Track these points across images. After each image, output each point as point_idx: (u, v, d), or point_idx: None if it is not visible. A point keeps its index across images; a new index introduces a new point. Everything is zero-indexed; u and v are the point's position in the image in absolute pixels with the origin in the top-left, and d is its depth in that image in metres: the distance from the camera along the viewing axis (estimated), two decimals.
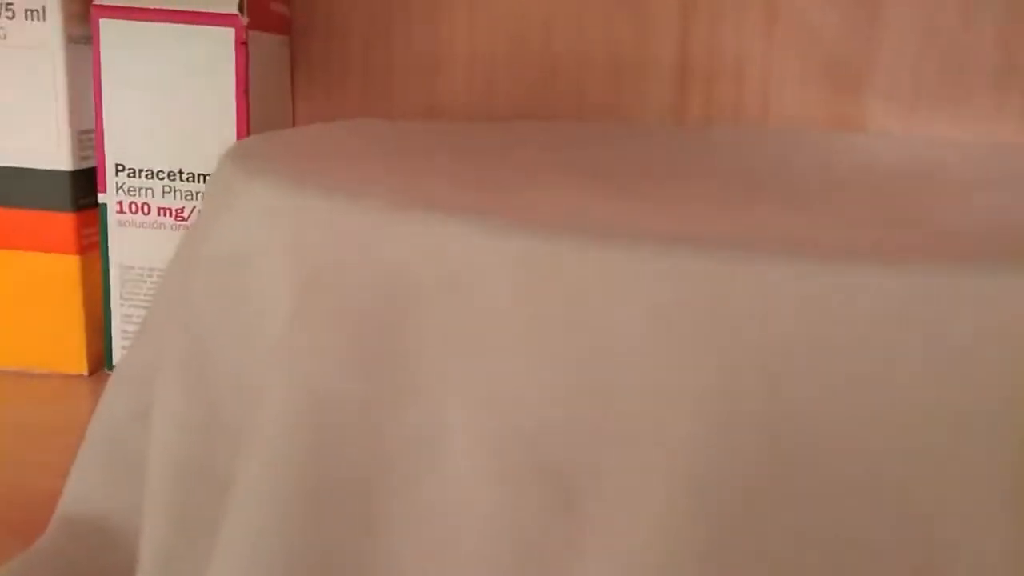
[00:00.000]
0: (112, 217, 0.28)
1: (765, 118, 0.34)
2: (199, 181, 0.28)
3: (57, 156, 0.28)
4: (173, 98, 0.27)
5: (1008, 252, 0.10)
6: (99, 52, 0.27)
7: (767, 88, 0.33)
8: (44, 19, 0.27)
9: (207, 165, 0.28)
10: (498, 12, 0.34)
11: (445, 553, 0.11)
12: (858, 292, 0.09)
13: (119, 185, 0.28)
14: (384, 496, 0.11)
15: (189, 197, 0.28)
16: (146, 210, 0.28)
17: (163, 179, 0.28)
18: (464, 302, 0.10)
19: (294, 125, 0.35)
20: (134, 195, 0.28)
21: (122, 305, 0.29)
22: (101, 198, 0.28)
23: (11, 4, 0.27)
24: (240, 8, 0.27)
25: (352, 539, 0.11)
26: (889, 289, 0.09)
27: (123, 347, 0.29)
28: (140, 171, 0.28)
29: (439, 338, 0.11)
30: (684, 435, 0.10)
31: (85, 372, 0.29)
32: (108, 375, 0.30)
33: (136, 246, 0.28)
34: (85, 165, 0.28)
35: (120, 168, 0.28)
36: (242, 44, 0.27)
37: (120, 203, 0.28)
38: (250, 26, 0.27)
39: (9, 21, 0.27)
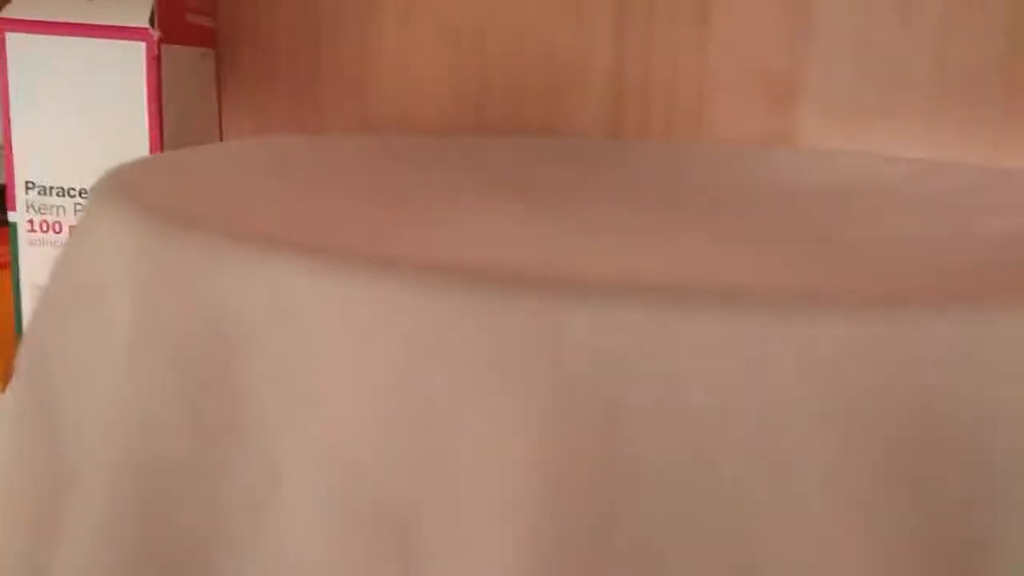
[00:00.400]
0: (23, 236, 0.27)
1: (699, 132, 0.33)
2: None
3: None
4: (85, 114, 0.26)
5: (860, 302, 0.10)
6: (6, 67, 0.26)
7: (701, 103, 0.33)
8: None
9: None
10: (431, 23, 0.34)
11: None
12: (690, 333, 0.09)
13: (29, 203, 0.27)
14: (222, 559, 0.11)
15: None
16: (58, 229, 0.27)
17: (75, 197, 0.27)
18: (295, 345, 0.10)
19: (221, 138, 0.34)
20: (46, 213, 0.27)
21: None
22: (11, 216, 0.27)
23: None
24: (151, 22, 0.26)
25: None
26: (721, 330, 0.09)
27: None
28: (51, 189, 0.27)
29: (270, 386, 0.10)
30: (520, 483, 0.09)
31: (1, 390, 0.28)
32: None
33: (48, 266, 0.27)
34: None
35: (30, 186, 0.27)
36: (154, 59, 0.26)
37: (31, 221, 0.27)
38: (164, 40, 0.26)
39: None
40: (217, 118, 0.33)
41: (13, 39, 0.26)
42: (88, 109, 0.26)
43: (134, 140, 0.26)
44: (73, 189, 0.27)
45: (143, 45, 0.26)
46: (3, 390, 0.28)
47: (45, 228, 0.27)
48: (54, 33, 0.26)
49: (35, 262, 0.27)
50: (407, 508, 0.10)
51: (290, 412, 0.10)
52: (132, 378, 0.11)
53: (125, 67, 0.26)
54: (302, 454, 0.10)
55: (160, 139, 0.26)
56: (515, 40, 0.33)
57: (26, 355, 0.15)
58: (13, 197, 0.27)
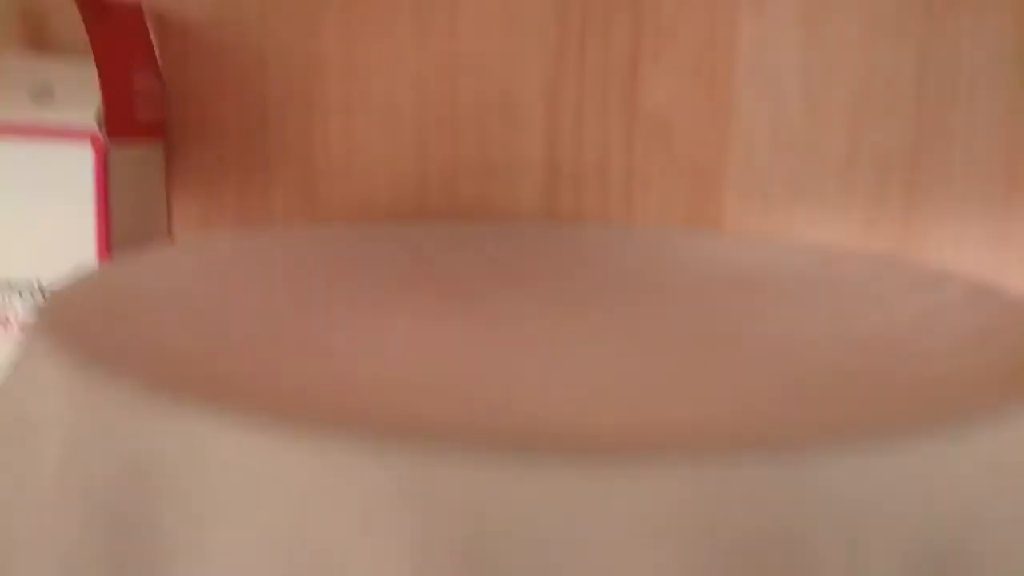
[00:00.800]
0: None
1: (630, 215, 0.35)
2: None
3: None
4: (30, 213, 0.27)
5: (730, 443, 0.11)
6: None
7: (631, 188, 0.35)
8: None
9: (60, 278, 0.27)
10: (373, 113, 0.35)
11: None
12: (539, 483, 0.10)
13: None
14: None
15: None
16: (5, 324, 0.28)
17: (22, 294, 0.28)
18: (204, 494, 0.11)
19: (170, 228, 0.35)
20: None
21: None
22: None
23: None
24: (98, 122, 0.27)
25: None
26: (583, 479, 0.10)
27: None
28: None
29: (182, 531, 0.11)
30: None
31: None
32: None
33: None
34: None
35: None
36: (101, 161, 0.27)
37: None
38: (113, 137, 0.27)
39: None
40: (165, 209, 0.34)
41: None
42: (36, 208, 0.27)
43: (80, 239, 0.27)
44: (20, 285, 0.28)
45: (89, 147, 0.27)
46: None
47: None
48: (2, 134, 0.27)
49: None
50: None
51: (199, 558, 0.11)
52: (57, 518, 0.12)
53: (72, 168, 0.27)
54: None
55: (107, 238, 0.27)
56: (450, 129, 0.35)
57: None
58: None
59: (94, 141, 0.27)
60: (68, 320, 0.15)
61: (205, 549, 0.11)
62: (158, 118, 0.33)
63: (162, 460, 0.11)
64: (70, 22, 0.35)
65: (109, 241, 0.27)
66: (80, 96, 0.27)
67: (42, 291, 0.28)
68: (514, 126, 0.35)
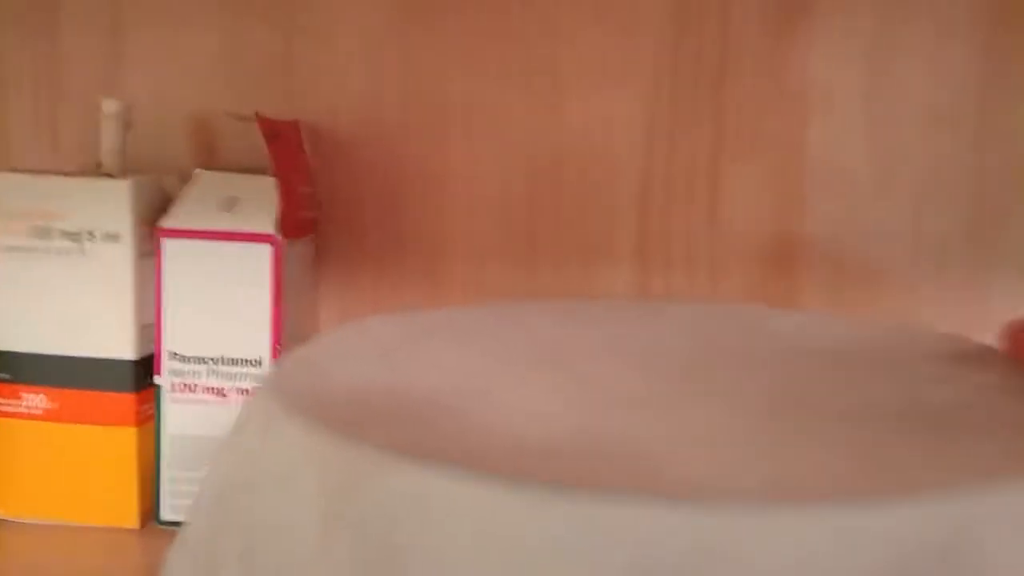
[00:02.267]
0: (165, 395, 0.34)
1: (715, 294, 0.39)
2: (239, 364, 0.34)
3: (123, 347, 0.34)
4: (219, 299, 0.33)
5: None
6: (160, 264, 0.33)
7: (715, 272, 0.39)
8: (119, 241, 0.33)
9: (245, 352, 0.33)
10: (491, 210, 0.41)
11: None
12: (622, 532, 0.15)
13: (172, 369, 0.34)
14: None
15: (230, 378, 0.34)
16: (194, 389, 0.34)
17: (208, 364, 0.34)
18: (442, 549, 0.16)
19: (316, 309, 0.41)
20: (184, 377, 0.34)
21: (171, 468, 0.34)
22: (157, 379, 0.34)
23: (92, 231, 0.33)
24: (277, 228, 0.33)
25: None
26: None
27: (170, 504, 0.34)
28: (190, 358, 0.34)
29: (424, 565, 0.16)
30: None
31: (137, 525, 0.35)
32: (156, 528, 0.35)
33: (184, 419, 0.34)
34: (145, 353, 0.34)
35: (173, 355, 0.34)
36: (278, 259, 0.33)
37: (172, 383, 0.34)
38: (285, 237, 0.33)
39: (91, 243, 0.33)
40: (316, 293, 0.40)
41: (168, 243, 0.33)
42: (222, 296, 0.33)
43: (259, 319, 0.33)
44: (208, 358, 0.34)
45: (268, 248, 0.33)
46: (140, 526, 0.35)
47: (183, 388, 0.34)
48: (198, 238, 0.33)
49: (174, 416, 0.34)
50: None
51: None
52: (322, 561, 0.17)
53: (253, 265, 0.33)
54: None
55: (280, 320, 0.33)
56: (556, 220, 0.40)
57: (225, 520, 0.21)
58: (159, 364, 0.34)
59: (272, 241, 0.33)
60: (302, 390, 0.20)
61: None
62: (313, 216, 0.39)
63: (409, 515, 0.16)
64: (231, 143, 0.41)
65: (281, 321, 0.33)
66: (261, 204, 0.34)
67: (227, 363, 0.34)
68: (611, 217, 0.40)
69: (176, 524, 0.34)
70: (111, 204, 0.33)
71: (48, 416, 0.34)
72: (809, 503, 0.15)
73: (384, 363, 0.22)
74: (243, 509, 0.19)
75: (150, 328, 0.35)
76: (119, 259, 0.33)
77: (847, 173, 0.38)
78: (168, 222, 0.33)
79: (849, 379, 0.21)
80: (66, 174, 0.34)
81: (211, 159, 0.41)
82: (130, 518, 0.34)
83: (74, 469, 0.34)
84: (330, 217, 0.42)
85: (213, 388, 0.34)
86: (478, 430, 0.18)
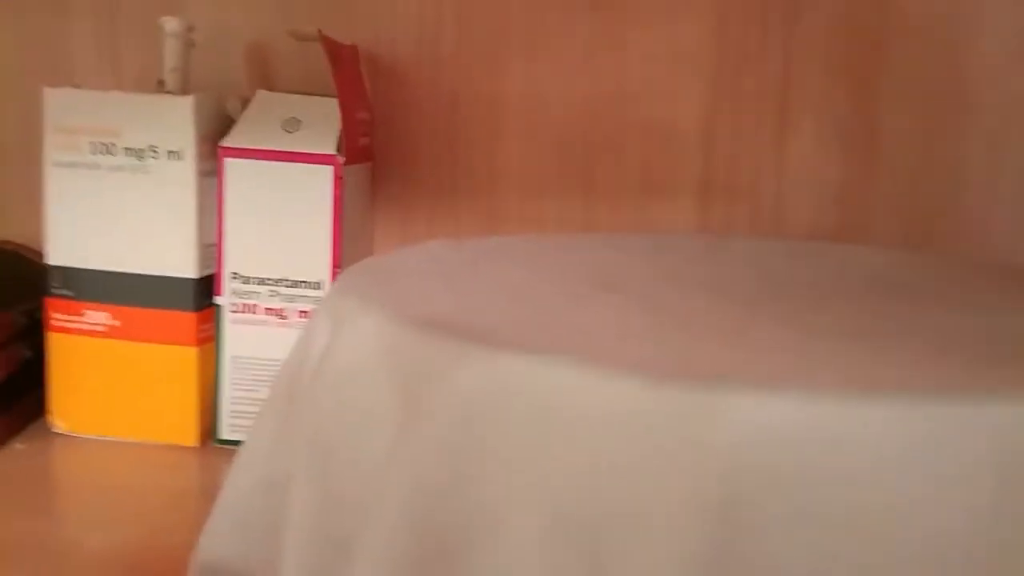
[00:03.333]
0: (226, 316, 0.34)
1: (779, 234, 0.39)
2: (298, 287, 0.33)
3: (185, 266, 0.34)
4: (280, 220, 0.33)
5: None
6: (223, 184, 0.33)
7: (780, 207, 0.38)
8: (181, 159, 0.33)
9: (305, 274, 0.33)
10: (548, 139, 0.40)
11: None
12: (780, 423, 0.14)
13: (233, 290, 0.34)
14: (462, 556, 0.16)
15: (290, 300, 0.34)
16: (254, 310, 0.34)
17: (269, 285, 0.34)
18: (523, 423, 0.16)
19: (373, 237, 0.41)
20: (245, 298, 0.34)
21: (231, 388, 0.34)
22: (218, 300, 0.34)
23: (155, 147, 0.33)
24: (338, 149, 0.33)
25: None
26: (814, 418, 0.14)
27: (229, 423, 0.35)
28: (251, 278, 0.34)
29: (505, 450, 0.16)
30: (676, 525, 0.14)
31: (196, 444, 0.35)
32: (214, 447, 0.35)
33: (245, 340, 0.34)
34: (206, 273, 0.34)
35: (235, 276, 0.34)
36: (339, 179, 0.33)
37: (234, 304, 0.34)
38: (346, 162, 0.33)
39: (154, 160, 0.33)
40: (372, 218, 0.40)
41: (230, 163, 0.33)
42: (283, 216, 0.33)
43: (319, 241, 0.33)
44: (268, 279, 0.34)
45: (331, 168, 0.33)
46: (200, 444, 0.35)
47: (244, 309, 0.34)
48: (260, 158, 0.33)
49: (235, 337, 0.34)
50: (601, 542, 0.15)
51: (519, 475, 0.15)
52: (402, 451, 0.17)
53: (315, 185, 0.33)
54: (524, 501, 0.15)
55: (340, 240, 0.33)
56: (615, 151, 0.39)
57: (295, 418, 0.21)
58: (221, 284, 0.34)
59: (334, 163, 0.33)
60: (374, 290, 0.20)
61: (526, 474, 0.15)
62: (369, 144, 0.39)
63: (490, 409, 0.16)
64: (292, 64, 0.41)
65: (340, 245, 0.33)
66: (323, 126, 0.33)
67: (288, 285, 0.34)
68: (673, 150, 0.39)
69: (235, 443, 0.34)
70: (174, 121, 0.33)
71: (110, 333, 0.34)
72: (911, 392, 0.14)
73: (447, 279, 0.22)
74: (316, 402, 0.19)
75: (212, 248, 0.35)
76: (181, 177, 0.33)
77: (921, 111, 0.37)
78: (230, 141, 0.33)
79: (925, 309, 0.21)
80: (128, 93, 0.34)
81: (270, 83, 0.41)
82: (190, 436, 0.35)
83: (135, 386, 0.35)
84: (386, 146, 0.41)
85: (273, 309, 0.34)
86: (550, 332, 0.18)
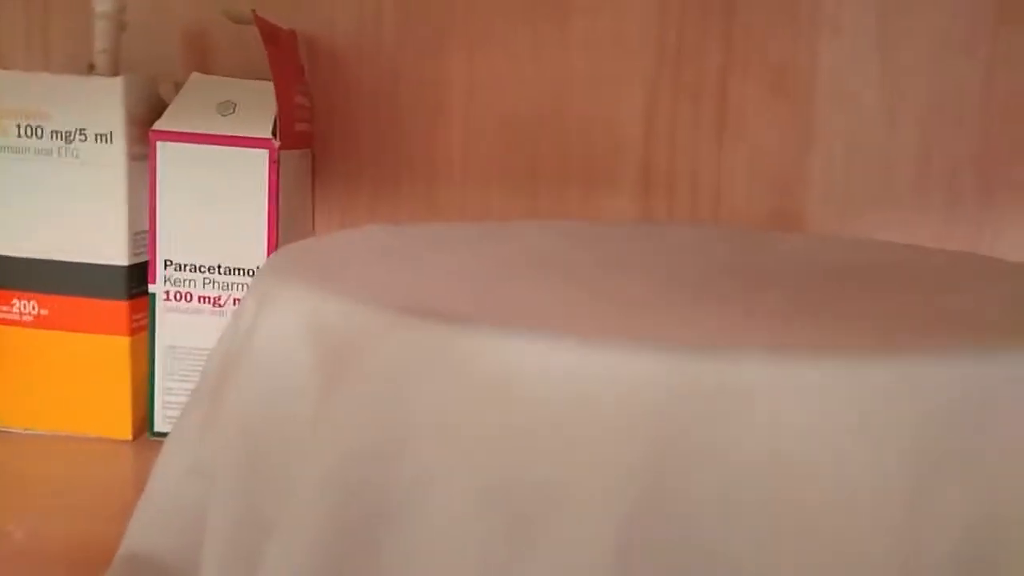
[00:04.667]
0: (160, 304, 0.33)
1: (718, 221, 0.39)
2: (234, 274, 0.33)
3: (116, 253, 0.33)
4: (214, 205, 0.32)
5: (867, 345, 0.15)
6: (154, 168, 0.32)
7: (719, 195, 0.39)
8: (111, 142, 0.32)
9: (241, 261, 0.33)
10: (491, 126, 0.40)
11: (434, 566, 0.15)
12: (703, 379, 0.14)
13: (166, 277, 0.33)
14: (386, 525, 0.16)
15: (226, 288, 0.33)
16: (188, 298, 0.33)
17: (203, 272, 0.33)
18: (449, 388, 0.15)
19: (313, 226, 0.40)
20: (179, 285, 0.33)
21: (165, 379, 0.33)
22: (151, 288, 0.33)
23: (84, 130, 0.32)
24: (273, 132, 0.32)
25: (363, 562, 0.16)
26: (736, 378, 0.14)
27: (164, 416, 0.34)
28: (185, 265, 0.33)
29: (430, 415, 0.15)
30: (608, 487, 0.14)
31: (129, 437, 0.34)
32: (149, 440, 0.34)
33: (179, 329, 0.33)
34: (138, 260, 0.34)
35: (168, 263, 0.33)
36: (274, 163, 0.32)
37: (167, 292, 0.33)
38: (281, 147, 0.32)
39: (82, 143, 0.32)
40: (311, 207, 0.39)
41: (162, 146, 0.32)
42: (217, 202, 0.32)
43: (255, 227, 0.32)
44: (203, 266, 0.33)
45: (266, 152, 0.32)
46: (133, 438, 0.34)
47: (178, 298, 0.33)
48: (194, 142, 0.32)
49: (169, 326, 0.33)
50: (529, 506, 0.15)
51: (446, 441, 0.15)
52: (325, 417, 0.16)
53: (250, 169, 0.32)
54: (452, 466, 0.15)
55: (276, 225, 0.32)
56: (559, 143, 0.39)
57: (221, 400, 0.20)
58: (154, 272, 0.33)
59: (270, 147, 0.32)
60: (301, 269, 0.20)
61: (454, 434, 0.15)
62: (309, 130, 0.38)
63: (412, 376, 0.16)
64: (228, 50, 0.40)
65: (277, 231, 0.32)
66: (258, 110, 0.33)
67: (223, 273, 0.33)
68: (615, 139, 0.39)
69: None
70: (103, 103, 0.32)
71: (39, 323, 0.33)
72: (830, 354, 0.14)
73: (383, 260, 0.22)
74: (239, 381, 0.19)
75: (143, 234, 0.34)
76: (111, 160, 0.32)
77: (855, 96, 0.38)
78: (163, 124, 0.32)
79: (862, 290, 0.21)
80: (56, 74, 0.33)
81: (206, 68, 0.40)
82: (123, 429, 0.34)
83: (66, 378, 0.34)
84: (326, 134, 0.41)
85: (208, 297, 0.33)
86: (481, 304, 0.17)
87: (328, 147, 0.41)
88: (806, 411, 0.14)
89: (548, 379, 0.15)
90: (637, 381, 0.14)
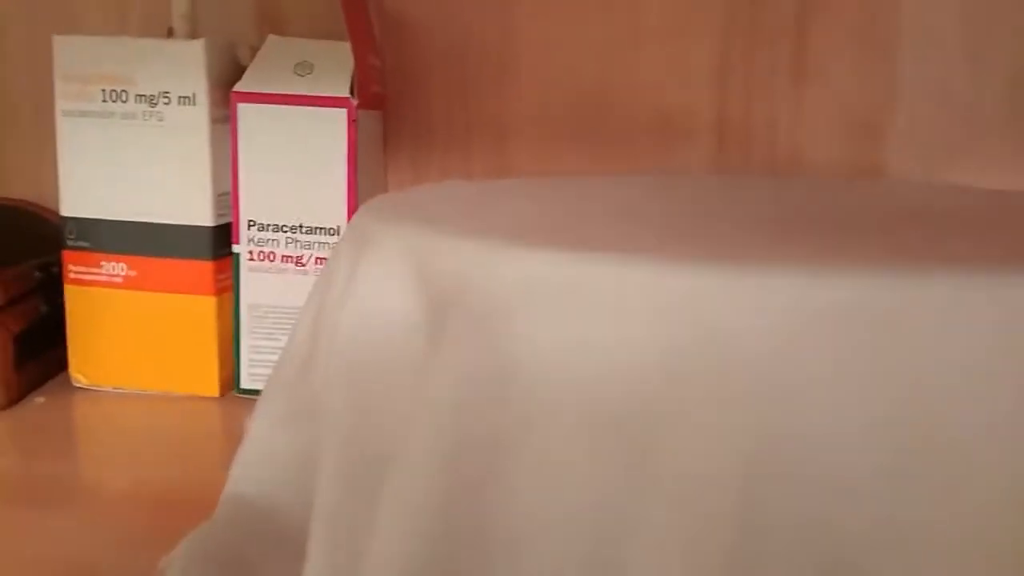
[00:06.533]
0: (244, 264, 0.34)
1: (797, 171, 0.38)
2: (316, 233, 0.33)
3: (201, 214, 0.34)
4: (295, 166, 0.33)
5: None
6: (236, 130, 0.33)
7: (798, 146, 0.38)
8: (194, 104, 0.33)
9: (322, 220, 0.33)
10: (560, 82, 0.39)
11: (550, 497, 0.16)
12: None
13: (250, 238, 0.34)
14: (504, 463, 0.16)
15: (308, 247, 0.33)
16: (272, 258, 0.34)
17: (286, 232, 0.33)
18: (557, 315, 0.15)
19: (387, 185, 0.40)
20: (262, 245, 0.34)
21: (250, 337, 0.34)
22: (235, 248, 0.34)
23: (167, 93, 0.33)
24: (351, 92, 0.33)
25: (479, 495, 0.16)
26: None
27: (250, 372, 0.35)
28: (268, 225, 0.33)
29: (539, 344, 0.16)
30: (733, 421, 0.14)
31: (217, 394, 0.35)
32: (235, 397, 0.35)
33: (263, 288, 0.34)
34: (222, 221, 0.34)
35: (251, 224, 0.33)
36: (353, 122, 0.32)
37: (251, 252, 0.34)
38: (358, 106, 0.33)
39: (166, 107, 0.33)
40: (384, 167, 0.39)
41: (243, 108, 0.33)
42: (298, 162, 0.33)
43: (334, 186, 0.33)
44: (285, 226, 0.33)
45: (344, 111, 0.32)
46: (220, 394, 0.35)
47: (262, 257, 0.34)
48: (274, 103, 0.33)
49: (253, 285, 0.34)
50: (646, 435, 0.15)
51: (556, 367, 0.15)
52: (434, 357, 0.17)
53: (329, 129, 0.32)
54: (565, 393, 0.15)
55: (355, 184, 0.33)
56: (630, 97, 0.39)
57: (324, 341, 0.20)
58: (237, 233, 0.34)
59: (348, 106, 0.32)
60: (399, 211, 0.20)
61: (558, 363, 0.15)
62: (382, 92, 0.38)
63: (521, 303, 0.16)
64: (298, 14, 0.40)
65: (356, 190, 0.33)
66: (335, 70, 0.33)
67: (304, 232, 0.33)
68: (689, 88, 0.39)
69: (256, 392, 0.34)
70: (185, 66, 0.32)
71: (128, 284, 0.34)
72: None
73: (465, 207, 0.22)
74: (341, 324, 0.19)
75: (227, 196, 0.34)
76: (195, 122, 0.33)
77: (940, 40, 0.37)
78: (243, 86, 0.33)
79: (956, 232, 0.20)
80: (138, 38, 0.34)
81: (280, 31, 0.40)
82: (210, 386, 0.35)
83: (154, 338, 0.35)
84: (396, 96, 0.41)
85: (291, 256, 0.33)
86: (574, 239, 0.17)
87: (399, 109, 0.41)
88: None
89: (655, 305, 0.15)
90: (757, 308, 0.14)
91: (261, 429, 0.24)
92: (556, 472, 0.16)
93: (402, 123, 0.41)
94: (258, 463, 0.23)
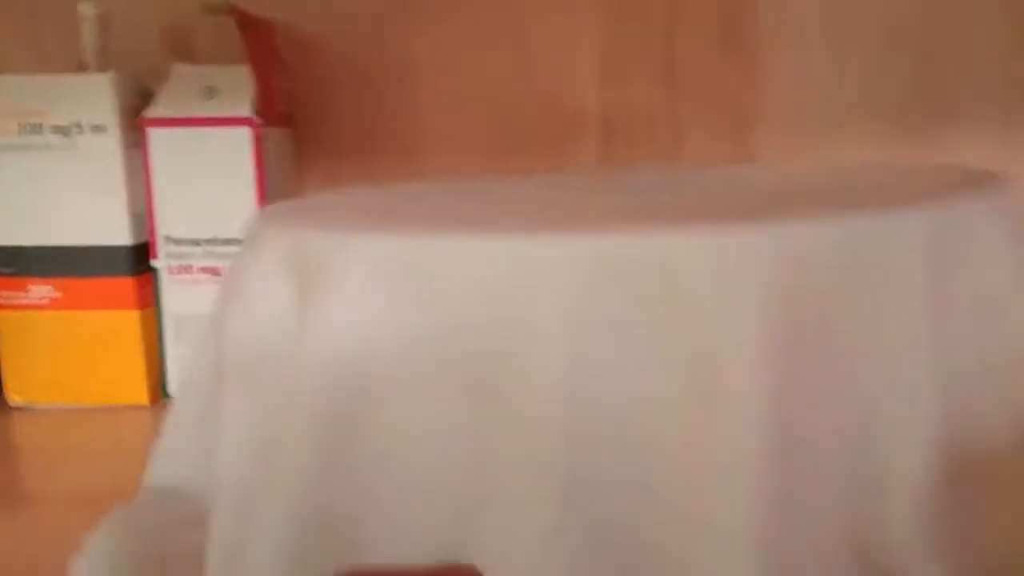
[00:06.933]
0: (164, 278, 0.36)
1: (677, 161, 0.41)
2: (230, 244, 0.36)
3: (119, 234, 0.36)
4: (206, 183, 0.35)
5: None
6: (148, 153, 0.35)
7: (676, 139, 0.41)
8: (106, 132, 0.35)
9: (235, 232, 0.36)
10: (458, 101, 0.42)
11: (410, 449, 0.18)
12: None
13: (168, 252, 0.36)
14: (369, 416, 0.19)
15: (223, 258, 0.36)
16: (190, 271, 0.36)
17: (202, 245, 0.36)
18: (397, 288, 0.18)
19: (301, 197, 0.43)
20: (180, 259, 0.36)
21: (175, 346, 0.36)
22: (154, 263, 0.36)
23: (80, 124, 0.35)
24: (254, 111, 0.35)
25: (350, 449, 0.19)
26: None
27: (175, 379, 0.37)
28: (183, 240, 0.36)
29: (380, 316, 0.18)
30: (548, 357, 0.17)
31: (147, 402, 0.37)
32: (165, 403, 0.37)
33: (184, 299, 0.36)
34: (140, 240, 0.37)
35: (168, 239, 0.36)
36: (258, 139, 0.35)
37: (169, 266, 0.36)
38: (262, 124, 0.35)
39: (79, 136, 0.35)
40: (297, 185, 0.42)
41: (153, 132, 0.35)
42: (209, 180, 0.35)
43: (245, 201, 0.35)
44: (201, 239, 0.36)
45: (248, 129, 0.35)
46: (150, 403, 0.37)
47: (180, 271, 0.36)
48: (181, 126, 0.35)
49: (174, 297, 0.36)
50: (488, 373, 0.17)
51: (399, 336, 0.18)
52: (304, 344, 0.19)
53: (235, 147, 0.35)
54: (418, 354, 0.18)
55: (264, 198, 0.35)
56: (528, 106, 0.42)
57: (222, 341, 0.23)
58: (155, 248, 0.36)
59: (252, 124, 0.35)
60: (286, 215, 0.23)
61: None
62: (288, 110, 0.41)
63: (389, 271, 0.18)
64: (206, 39, 0.43)
65: (265, 200, 0.35)
66: (238, 93, 0.35)
67: (219, 244, 0.36)
68: (578, 95, 0.42)
69: None
70: (95, 97, 0.35)
71: (55, 305, 0.36)
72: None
73: (356, 207, 0.25)
74: (231, 320, 0.22)
75: (143, 216, 0.37)
76: (107, 149, 0.35)
77: (798, 32, 0.40)
78: (151, 112, 0.35)
79: (794, 196, 0.23)
80: (51, 75, 0.36)
81: (188, 59, 0.43)
82: (140, 395, 0.37)
83: (84, 354, 0.37)
84: (307, 114, 0.43)
85: (208, 268, 0.36)
86: (444, 223, 0.20)
87: (311, 125, 0.43)
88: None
89: (477, 271, 0.17)
90: (570, 260, 0.17)
91: (172, 426, 0.26)
92: (415, 416, 0.18)
93: (316, 138, 0.43)
94: (171, 457, 0.26)
